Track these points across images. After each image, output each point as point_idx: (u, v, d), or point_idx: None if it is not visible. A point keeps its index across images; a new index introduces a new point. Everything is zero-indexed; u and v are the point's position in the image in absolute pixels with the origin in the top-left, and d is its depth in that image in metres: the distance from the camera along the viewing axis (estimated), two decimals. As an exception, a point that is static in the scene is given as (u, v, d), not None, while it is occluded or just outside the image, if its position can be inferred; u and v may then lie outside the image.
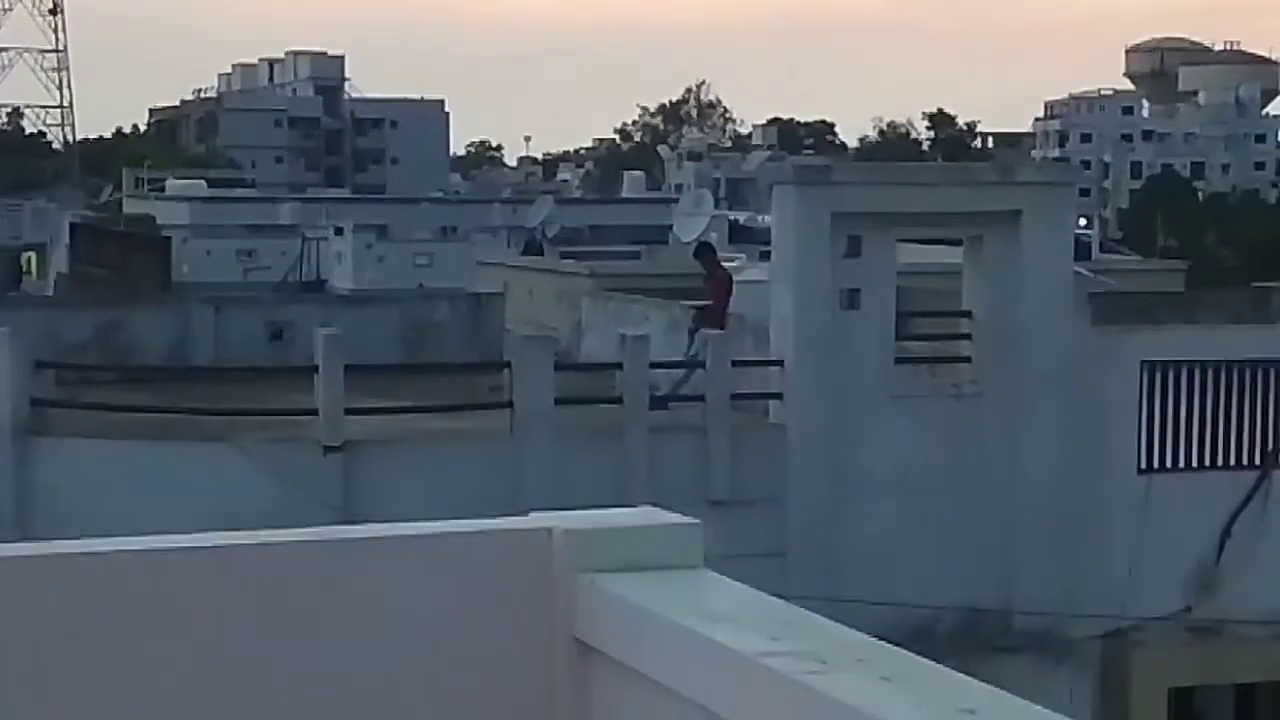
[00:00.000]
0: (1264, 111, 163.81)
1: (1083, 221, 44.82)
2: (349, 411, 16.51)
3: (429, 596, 3.41)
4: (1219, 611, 17.77)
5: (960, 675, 2.87)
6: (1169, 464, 18.09)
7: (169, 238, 43.59)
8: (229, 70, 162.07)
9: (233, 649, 3.29)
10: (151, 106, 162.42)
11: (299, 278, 47.07)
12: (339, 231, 52.38)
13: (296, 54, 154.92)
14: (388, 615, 3.38)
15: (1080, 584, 17.41)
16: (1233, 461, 18.22)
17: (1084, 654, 17.42)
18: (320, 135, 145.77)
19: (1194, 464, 18.17)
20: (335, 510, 15.64)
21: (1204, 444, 18.20)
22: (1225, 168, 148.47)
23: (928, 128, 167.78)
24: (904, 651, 2.98)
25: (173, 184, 75.80)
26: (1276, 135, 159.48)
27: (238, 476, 15.99)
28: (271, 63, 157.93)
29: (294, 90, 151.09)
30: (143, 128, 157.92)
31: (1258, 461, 18.16)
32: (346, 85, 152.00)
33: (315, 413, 16.55)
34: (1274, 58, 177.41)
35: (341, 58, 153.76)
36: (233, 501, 15.13)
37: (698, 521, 3.53)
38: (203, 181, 78.59)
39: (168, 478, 16.20)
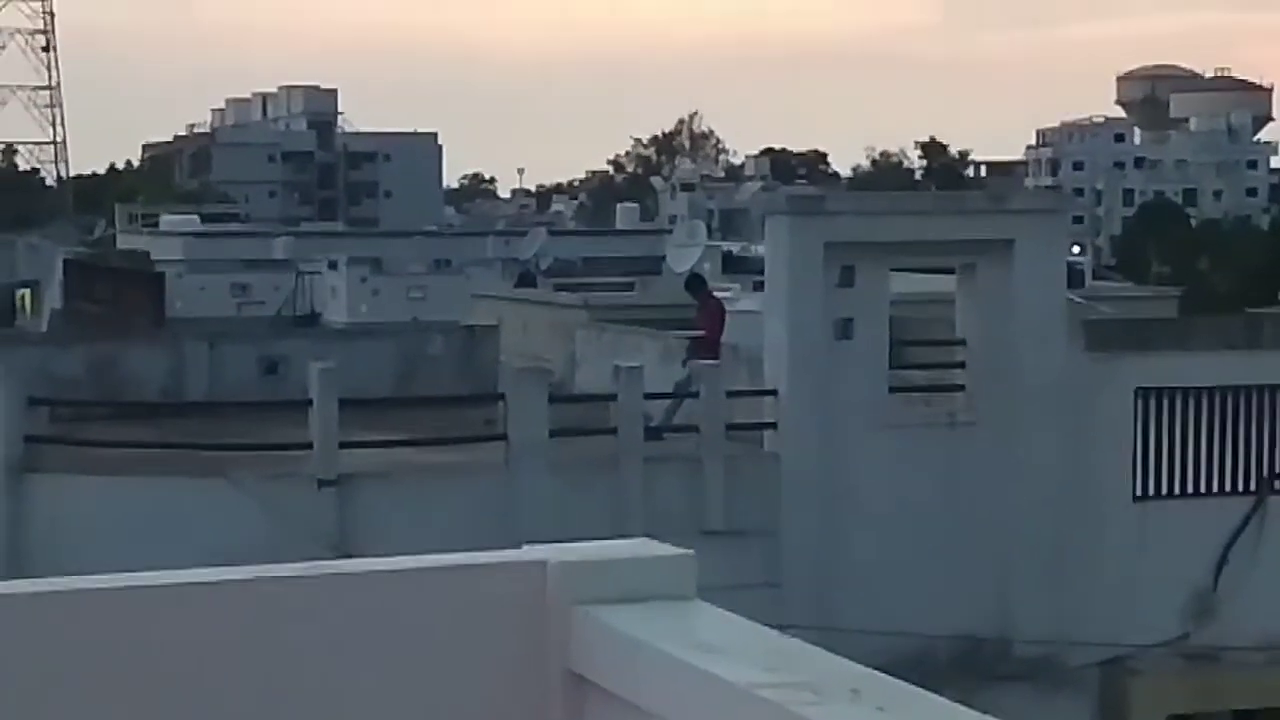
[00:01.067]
0: (1255, 138, 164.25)
1: (1075, 249, 44.84)
2: (343, 445, 16.50)
3: (424, 630, 3.41)
4: (1216, 638, 17.75)
5: (955, 705, 2.87)
6: (1164, 491, 18.10)
7: (163, 273, 43.60)
8: (222, 105, 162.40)
9: (227, 684, 3.29)
10: (145, 142, 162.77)
11: (293, 312, 47.09)
12: (333, 265, 52.40)
13: (289, 88, 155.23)
14: (383, 649, 3.38)
15: (1077, 612, 17.39)
16: (1228, 488, 18.23)
17: (1082, 682, 17.40)
18: (314, 169, 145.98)
19: (1189, 490, 18.18)
20: (330, 545, 15.62)
21: (1199, 470, 18.21)
22: (1217, 194, 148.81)
23: (920, 157, 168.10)
24: (899, 682, 2.98)
25: (166, 219, 75.89)
26: (1268, 161, 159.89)
27: (232, 511, 15.97)
28: (264, 97, 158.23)
29: (287, 124, 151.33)
30: (136, 163, 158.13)
31: (1252, 487, 18.17)
32: (339, 119, 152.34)
33: (310, 447, 16.55)
34: (1264, 84, 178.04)
35: (334, 91, 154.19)
36: (227, 537, 15.11)
37: (691, 553, 3.53)
38: (196, 217, 78.70)
39: (162, 513, 16.18)
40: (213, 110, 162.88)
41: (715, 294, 22.98)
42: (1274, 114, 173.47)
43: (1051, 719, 16.22)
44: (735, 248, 58.84)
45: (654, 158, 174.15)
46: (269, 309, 48.06)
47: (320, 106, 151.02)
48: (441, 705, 3.41)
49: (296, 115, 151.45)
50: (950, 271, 19.27)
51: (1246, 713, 18.36)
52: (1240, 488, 18.20)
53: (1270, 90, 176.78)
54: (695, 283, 22.73)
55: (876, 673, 3.02)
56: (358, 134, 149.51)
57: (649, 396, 17.63)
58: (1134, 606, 17.52)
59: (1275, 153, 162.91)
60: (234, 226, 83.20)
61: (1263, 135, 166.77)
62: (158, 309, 36.44)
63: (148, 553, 12.72)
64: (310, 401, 16.70)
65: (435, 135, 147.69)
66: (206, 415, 20.60)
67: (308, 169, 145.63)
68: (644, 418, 17.38)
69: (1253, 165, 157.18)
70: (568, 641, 3.37)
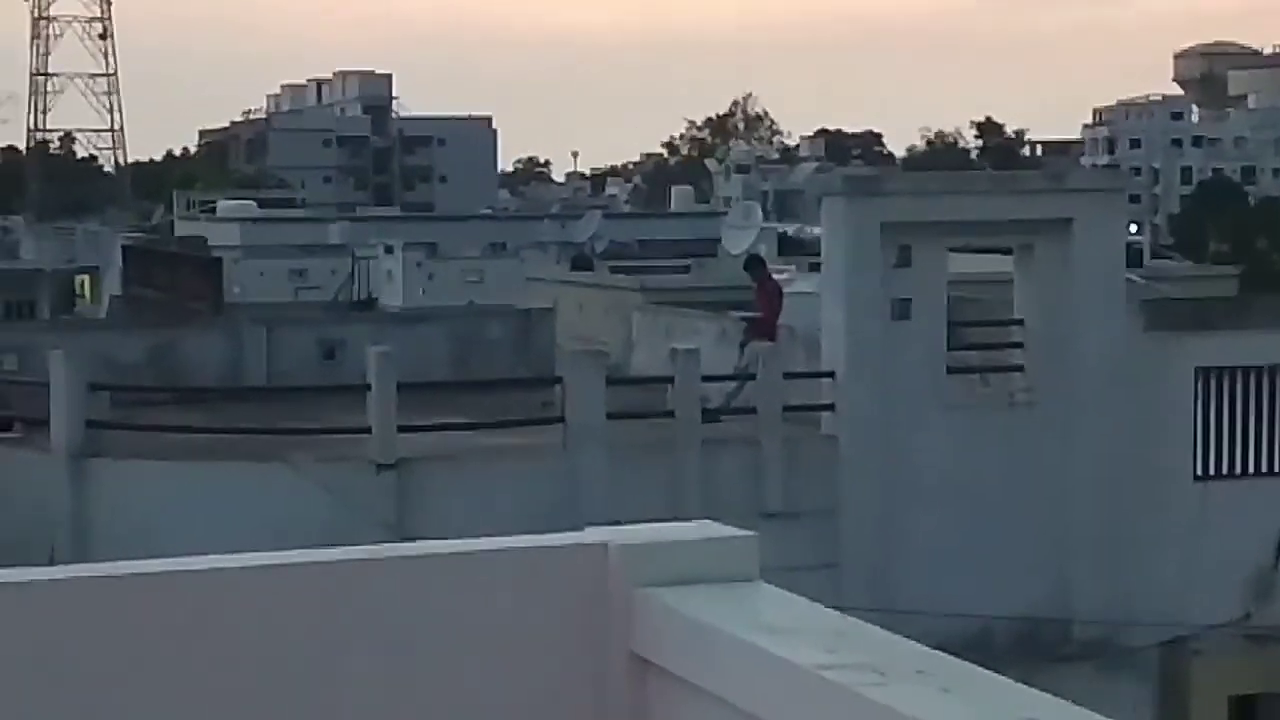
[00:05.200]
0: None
1: (1133, 228, 44.62)
2: (401, 429, 16.55)
3: (485, 613, 3.41)
4: (1278, 618, 17.63)
5: (1020, 685, 2.86)
6: (1224, 470, 17.98)
7: (220, 259, 43.74)
8: (277, 91, 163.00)
9: (288, 667, 3.30)
10: (201, 129, 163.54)
11: (350, 297, 47.22)
12: (389, 250, 52.51)
13: (344, 74, 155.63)
14: (445, 632, 3.38)
15: (1137, 592, 17.31)
16: (1289, 467, 18.09)
17: (1143, 663, 17.31)
18: (369, 154, 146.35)
19: (1250, 470, 18.05)
20: (389, 528, 15.68)
21: (1259, 450, 18.08)
22: (1276, 172, 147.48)
23: (976, 136, 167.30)
24: (963, 662, 2.97)
25: (223, 205, 76.20)
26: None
27: (291, 495, 16.04)
28: (320, 83, 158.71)
29: (342, 110, 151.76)
30: (193, 150, 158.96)
31: (1314, 467, 18.03)
32: (394, 104, 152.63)
33: (368, 431, 16.61)
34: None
35: (389, 76, 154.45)
36: (287, 520, 15.19)
37: (754, 534, 3.52)
38: (253, 202, 78.99)
39: (222, 497, 16.27)
40: (268, 96, 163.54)
41: (773, 275, 22.94)
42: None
43: (1112, 700, 16.13)
44: (790, 229, 58.72)
45: (708, 139, 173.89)
46: (326, 294, 48.20)
47: (375, 91, 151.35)
48: (504, 688, 3.41)
49: (351, 100, 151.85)
50: (1008, 252, 19.18)
51: (1309, 693, 18.24)
52: (1302, 467, 18.06)
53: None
54: (754, 264, 22.68)
55: (940, 653, 3.01)
56: (412, 118, 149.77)
57: (706, 379, 17.60)
58: (1195, 587, 17.42)
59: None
60: (290, 212, 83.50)
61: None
62: (216, 294, 36.57)
63: (208, 537, 12.78)
64: (368, 386, 16.75)
65: (490, 119, 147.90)
66: (265, 400, 20.69)
67: (363, 154, 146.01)
68: (701, 400, 17.37)
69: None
70: (630, 624, 3.37)
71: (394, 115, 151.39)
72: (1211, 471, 17.93)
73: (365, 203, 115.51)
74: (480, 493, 16.05)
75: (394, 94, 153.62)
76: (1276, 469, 18.09)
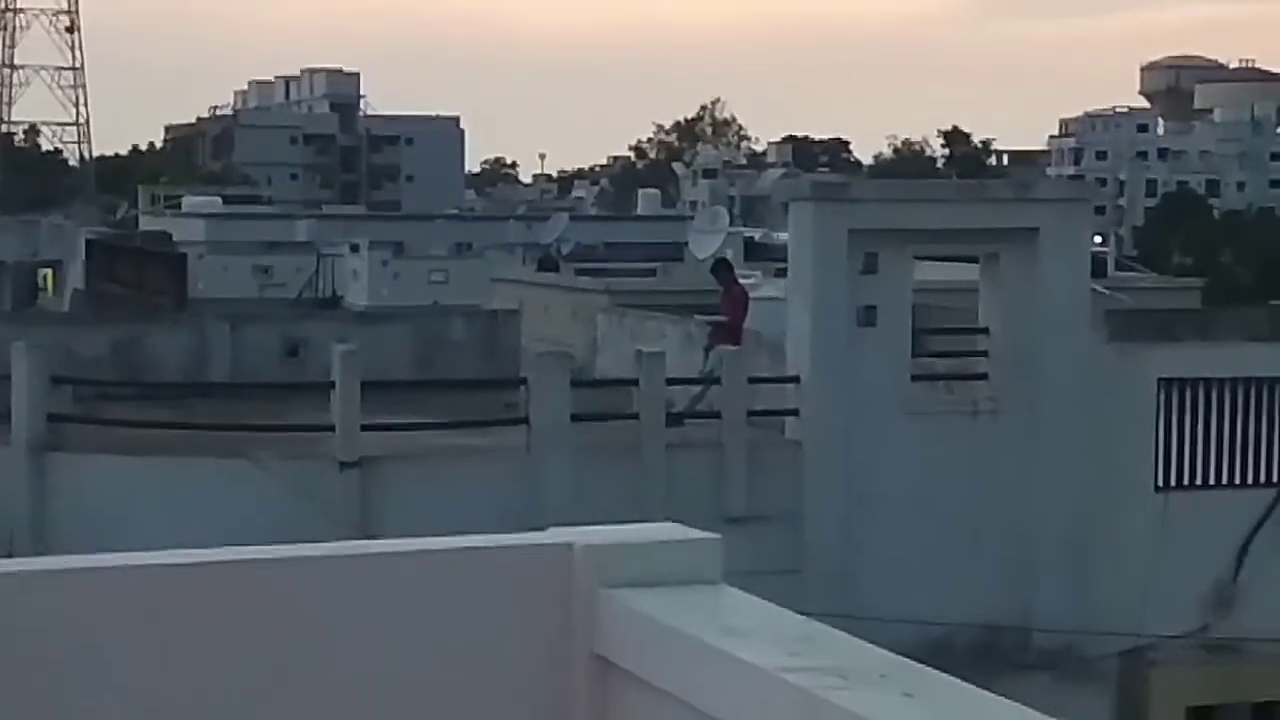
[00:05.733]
0: (1279, 129, 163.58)
1: (1098, 239, 44.76)
2: (365, 428, 16.51)
3: (448, 612, 3.40)
4: (1237, 629, 17.71)
5: (983, 692, 2.86)
6: (1186, 482, 18.05)
7: (185, 254, 43.64)
8: (245, 87, 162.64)
9: (249, 665, 3.28)
10: (167, 124, 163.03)
11: (314, 294, 47.14)
12: (354, 248, 52.44)
13: (312, 71, 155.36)
14: (406, 631, 3.37)
15: (1097, 602, 17.36)
16: (1250, 479, 18.17)
17: (1102, 672, 17.37)
18: (335, 152, 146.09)
19: (1211, 482, 18.12)
20: (351, 526, 15.64)
21: (1221, 462, 18.16)
22: (1240, 185, 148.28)
23: (942, 145, 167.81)
24: (926, 668, 2.97)
25: (189, 201, 75.99)
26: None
27: (254, 492, 15.99)
28: (287, 80, 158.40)
29: (309, 107, 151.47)
30: (159, 145, 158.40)
31: (1275, 479, 18.11)
32: (362, 102, 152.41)
33: (331, 429, 16.56)
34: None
35: (357, 75, 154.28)
36: (249, 518, 15.13)
37: (717, 537, 3.51)
38: (218, 198, 78.79)
39: (184, 493, 16.21)
40: (235, 92, 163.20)
41: (738, 280, 22.96)
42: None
43: (1070, 709, 16.15)
44: (757, 234, 58.77)
45: (676, 144, 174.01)
46: (290, 291, 48.13)
47: (343, 89, 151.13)
48: (466, 687, 3.40)
49: (319, 98, 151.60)
50: (974, 260, 19.23)
51: (1267, 705, 18.31)
52: (1262, 479, 18.14)
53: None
54: (720, 268, 22.69)
55: (903, 658, 3.01)
56: (380, 117, 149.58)
57: (671, 382, 17.61)
58: (1155, 597, 17.48)
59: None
60: (256, 209, 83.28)
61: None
62: (180, 290, 36.48)
63: (169, 533, 12.73)
64: (332, 384, 16.71)
65: (457, 119, 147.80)
66: (228, 396, 20.63)
67: (330, 152, 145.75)
68: (666, 403, 17.37)
69: (1276, 157, 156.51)
70: (593, 625, 3.36)
71: (361, 113, 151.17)
72: (1173, 483, 18.00)
73: (331, 201, 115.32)
74: (443, 492, 16.02)
75: (362, 92, 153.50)
76: (1237, 481, 18.17)
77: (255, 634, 3.28)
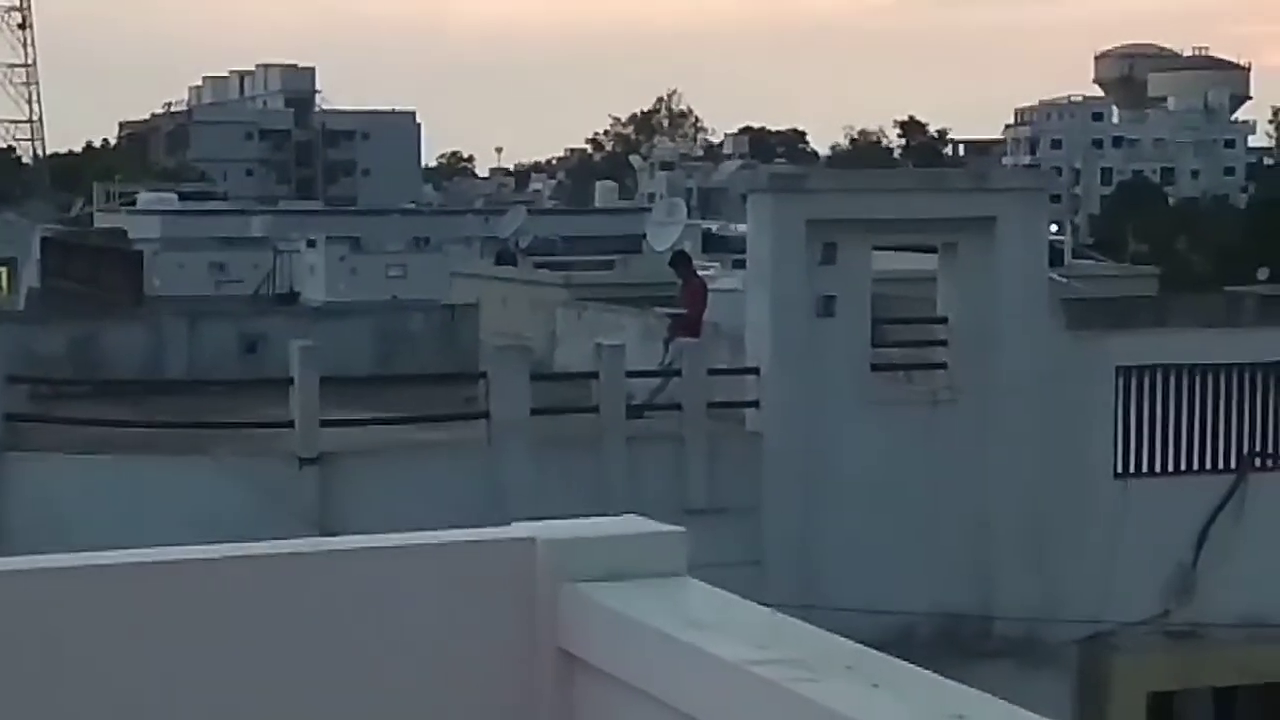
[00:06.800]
0: (1233, 117, 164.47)
1: (1054, 228, 44.93)
2: (324, 423, 16.46)
3: (411, 608, 3.38)
4: (1196, 615, 17.80)
5: (948, 680, 2.86)
6: (1144, 469, 18.12)
7: (140, 251, 43.41)
8: (199, 83, 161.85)
9: (211, 662, 3.26)
10: (122, 120, 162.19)
11: (271, 290, 46.92)
12: (311, 244, 52.19)
13: (267, 66, 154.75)
14: (368, 629, 3.35)
15: (1058, 589, 17.42)
16: (1208, 465, 18.25)
17: (1063, 659, 17.43)
18: (291, 147, 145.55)
19: (1169, 468, 18.20)
20: (311, 523, 15.58)
21: (1179, 448, 18.24)
22: (1195, 173, 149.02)
23: (899, 135, 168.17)
24: (891, 658, 2.96)
25: (144, 197, 75.62)
26: (1245, 140, 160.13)
27: (213, 490, 15.92)
28: (242, 75, 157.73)
29: (264, 103, 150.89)
30: (113, 141, 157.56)
31: (1233, 465, 18.20)
32: (317, 97, 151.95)
33: (291, 425, 16.50)
34: (1242, 63, 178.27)
35: (312, 70, 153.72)
36: (208, 515, 15.06)
37: (681, 529, 3.50)
38: (174, 195, 78.41)
39: (142, 492, 16.13)
40: (190, 88, 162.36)
41: (697, 272, 22.95)
42: (1251, 93, 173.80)
43: (1032, 696, 16.18)
44: (714, 226, 58.81)
45: (633, 136, 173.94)
46: (247, 287, 47.88)
47: (298, 85, 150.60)
48: (429, 684, 3.38)
49: (274, 93, 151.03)
50: (932, 250, 19.26)
51: (1226, 690, 18.42)
52: (1221, 465, 18.23)
53: (1248, 69, 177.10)
54: (679, 260, 22.68)
55: (868, 649, 3.00)
56: (335, 112, 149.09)
57: (630, 375, 17.60)
58: (1115, 584, 17.55)
59: (1253, 132, 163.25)
60: (212, 205, 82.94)
61: (1240, 114, 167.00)
62: (136, 287, 36.27)
63: (129, 531, 12.65)
64: (291, 380, 16.65)
65: (413, 114, 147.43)
66: (187, 393, 20.53)
67: (285, 147, 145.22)
68: (626, 396, 17.36)
69: (1230, 144, 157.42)
70: (557, 619, 3.34)
71: (317, 109, 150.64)
72: (1132, 469, 18.07)
73: (287, 196, 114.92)
74: (404, 488, 15.98)
75: (317, 87, 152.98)
76: (1195, 467, 18.26)
77: (215, 633, 3.26)
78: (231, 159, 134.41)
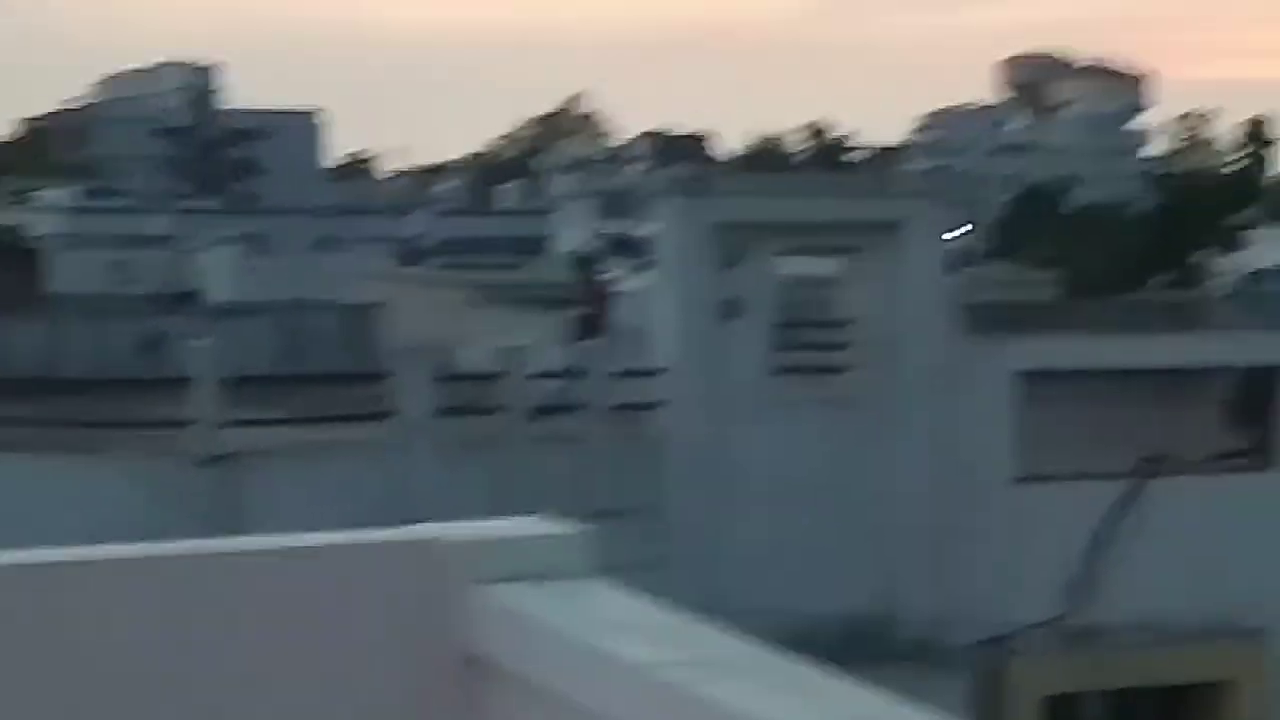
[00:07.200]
0: (1131, 125, 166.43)
1: (956, 233, 45.30)
2: (226, 424, 16.33)
3: (314, 611, 3.36)
4: (1093, 618, 17.97)
5: (851, 683, 2.88)
6: (1043, 472, 18.28)
7: (39, 249, 42.96)
8: (100, 80, 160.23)
9: (105, 665, 3.23)
10: (21, 116, 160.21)
11: (172, 289, 46.54)
12: (214, 243, 51.88)
13: (169, 64, 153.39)
14: (271, 632, 3.33)
15: (958, 592, 17.55)
16: (1105, 470, 18.44)
17: (962, 662, 17.55)
18: (193, 146, 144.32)
19: (1067, 472, 18.37)
20: (212, 525, 15.44)
21: (1077, 453, 18.41)
22: (1094, 180, 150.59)
23: (803, 140, 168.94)
24: (795, 661, 2.98)
25: (43, 195, 74.80)
26: (1143, 149, 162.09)
27: (111, 491, 15.76)
28: (143, 72, 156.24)
29: (167, 100, 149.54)
30: (10, 138, 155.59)
31: (1131, 470, 18.40)
32: (221, 95, 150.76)
33: (191, 425, 16.36)
34: (1141, 72, 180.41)
35: (215, 68, 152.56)
36: (106, 516, 14.89)
37: (588, 530, 3.51)
38: (74, 192, 77.62)
39: (39, 492, 15.93)
40: (91, 85, 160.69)
41: (601, 274, 22.99)
42: (1149, 102, 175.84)
43: (932, 698, 16.31)
44: (619, 228, 58.90)
45: (537, 138, 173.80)
46: (149, 286, 47.48)
47: (201, 82, 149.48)
48: (333, 687, 3.36)
49: (176, 91, 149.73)
50: (837, 253, 19.36)
51: (1122, 692, 18.62)
52: (1118, 470, 18.42)
53: (1146, 78, 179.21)
54: (583, 262, 22.74)
55: (772, 651, 3.02)
56: (239, 111, 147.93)
57: (534, 376, 17.58)
58: (1014, 587, 17.70)
59: (1150, 140, 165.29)
60: (113, 202, 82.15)
61: (1138, 123, 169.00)
62: (34, 285, 35.87)
63: (25, 532, 12.50)
64: (191, 379, 16.51)
65: (317, 113, 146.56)
66: (85, 393, 20.31)
67: (187, 145, 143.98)
68: (530, 397, 17.34)
69: (1128, 152, 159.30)
70: (462, 621, 3.34)
71: (220, 107, 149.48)
72: (1030, 473, 18.22)
73: (189, 194, 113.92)
74: (307, 488, 15.88)
75: (221, 85, 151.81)
76: (1093, 471, 18.43)
77: (113, 633, 3.22)
78: (133, 156, 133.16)
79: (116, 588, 3.24)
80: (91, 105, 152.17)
